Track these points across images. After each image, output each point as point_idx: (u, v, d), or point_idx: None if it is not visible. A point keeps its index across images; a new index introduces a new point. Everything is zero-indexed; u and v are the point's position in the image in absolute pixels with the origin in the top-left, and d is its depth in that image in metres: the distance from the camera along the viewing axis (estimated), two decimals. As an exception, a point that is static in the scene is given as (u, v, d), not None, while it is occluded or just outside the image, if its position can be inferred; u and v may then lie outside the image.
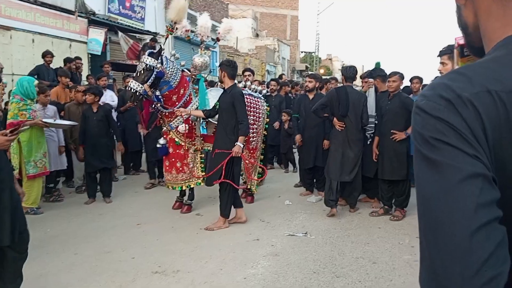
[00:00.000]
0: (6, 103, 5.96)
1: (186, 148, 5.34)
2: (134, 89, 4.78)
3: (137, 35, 13.91)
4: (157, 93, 5.11)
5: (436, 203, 0.64)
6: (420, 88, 7.18)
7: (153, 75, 4.85)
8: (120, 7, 13.18)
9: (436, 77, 7.89)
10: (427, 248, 0.65)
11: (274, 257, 4.08)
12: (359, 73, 7.36)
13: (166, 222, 5.13)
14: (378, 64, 7.21)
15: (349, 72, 5.48)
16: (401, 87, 5.61)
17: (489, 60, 0.70)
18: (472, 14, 0.78)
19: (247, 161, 5.63)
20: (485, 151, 0.65)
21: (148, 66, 4.82)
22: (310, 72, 13.99)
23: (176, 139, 5.31)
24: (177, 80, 5.19)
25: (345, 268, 3.83)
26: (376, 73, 5.74)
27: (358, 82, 7.41)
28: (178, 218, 5.30)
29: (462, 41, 1.16)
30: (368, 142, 5.61)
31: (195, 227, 4.96)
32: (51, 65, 8.20)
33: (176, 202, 5.73)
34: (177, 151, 5.36)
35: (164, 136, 5.39)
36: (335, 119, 5.42)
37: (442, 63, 3.63)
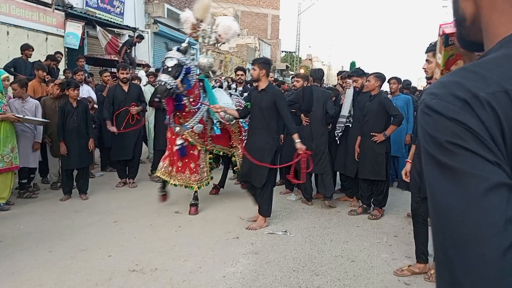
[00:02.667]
0: None
1: (199, 148, 5.29)
2: (167, 83, 4.64)
3: (115, 29, 13.67)
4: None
5: (460, 218, 0.57)
6: (398, 88, 7.26)
7: (183, 71, 4.79)
8: (99, 1, 12.92)
9: (403, 80, 8.03)
10: (448, 266, 0.59)
11: (253, 255, 4.06)
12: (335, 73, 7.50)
13: (144, 220, 5.05)
14: (353, 63, 7.29)
15: (318, 74, 6.02)
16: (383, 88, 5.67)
17: (500, 57, 0.65)
18: (472, 5, 0.73)
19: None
20: (505, 157, 0.59)
21: (179, 61, 4.73)
22: (293, 73, 13.98)
23: (191, 140, 5.20)
24: (194, 79, 5.12)
25: (324, 266, 3.85)
26: (360, 72, 5.78)
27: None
28: (156, 216, 5.23)
29: (448, 30, 1.13)
30: (338, 142, 5.81)
31: (173, 225, 4.90)
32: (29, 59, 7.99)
33: (163, 195, 5.58)
34: (191, 152, 5.26)
35: (180, 136, 5.22)
36: (302, 114, 5.78)
37: (427, 60, 3.56)
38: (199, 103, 5.16)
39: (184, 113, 5.12)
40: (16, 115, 5.39)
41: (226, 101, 5.65)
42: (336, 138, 5.80)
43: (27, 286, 3.38)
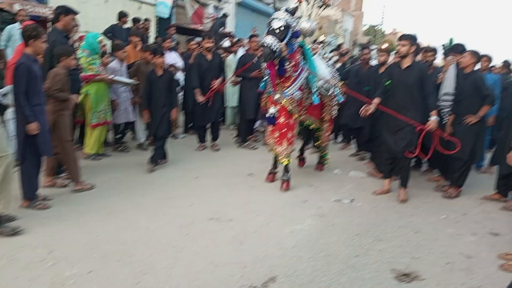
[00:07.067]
0: None
1: (295, 117, 5.14)
2: (271, 45, 4.43)
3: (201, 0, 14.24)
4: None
5: None
6: (488, 67, 6.96)
7: (289, 34, 4.58)
8: (188, -29, 13.49)
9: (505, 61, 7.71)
10: None
11: (320, 218, 4.35)
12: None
13: (221, 178, 5.52)
14: (451, 40, 6.98)
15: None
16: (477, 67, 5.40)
17: None
18: None
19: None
20: None
21: (287, 23, 4.52)
22: (376, 47, 13.48)
23: (290, 107, 5.00)
24: (296, 44, 4.94)
25: (387, 234, 4.03)
26: (461, 48, 5.53)
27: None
28: (232, 176, 5.66)
29: None
30: (443, 122, 5.41)
31: (247, 185, 5.30)
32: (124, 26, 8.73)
33: (270, 174, 5.51)
34: (289, 120, 5.08)
35: (274, 104, 5.07)
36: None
37: None
38: (300, 69, 4.99)
39: (283, 79, 4.95)
40: (110, 77, 6.02)
41: (323, 70, 5.55)
42: (444, 116, 5.43)
43: (123, 222, 3.97)
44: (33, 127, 3.90)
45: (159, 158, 5.87)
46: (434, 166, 6.19)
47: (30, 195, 4.13)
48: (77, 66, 5.32)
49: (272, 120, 5.09)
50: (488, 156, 6.50)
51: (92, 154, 5.97)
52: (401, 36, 4.90)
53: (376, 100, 5.06)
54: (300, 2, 5.44)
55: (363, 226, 4.20)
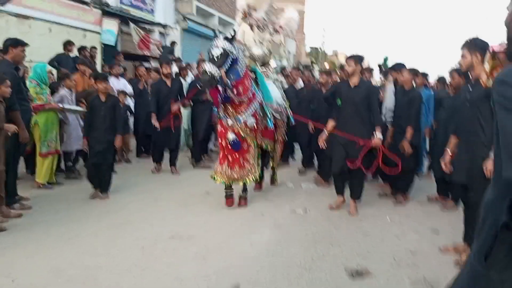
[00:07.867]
0: None
1: (249, 143, 5.20)
2: (211, 72, 4.49)
3: (147, 26, 14.34)
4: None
5: None
6: (422, 83, 7.58)
7: (229, 61, 4.67)
8: (132, -1, 13.60)
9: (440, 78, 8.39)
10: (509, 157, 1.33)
11: (277, 228, 4.58)
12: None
13: (179, 199, 5.62)
14: (386, 58, 7.56)
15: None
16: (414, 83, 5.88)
17: None
18: None
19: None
20: None
21: (225, 50, 4.60)
22: (318, 68, 14.17)
23: (242, 133, 5.07)
24: (244, 70, 4.98)
25: (340, 239, 4.33)
26: (399, 66, 5.93)
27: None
28: (189, 196, 5.78)
29: (496, 49, 1.84)
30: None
31: (205, 204, 5.44)
32: (70, 54, 8.67)
33: (228, 198, 5.36)
34: (242, 145, 5.13)
35: (231, 130, 5.06)
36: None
37: (462, 55, 3.68)
38: (249, 94, 5.03)
39: (234, 105, 5.00)
40: (60, 105, 6.01)
41: (276, 95, 5.74)
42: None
43: (84, 247, 3.97)
44: None
45: (109, 186, 5.73)
46: (379, 175, 6.66)
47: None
48: (28, 97, 5.30)
49: (237, 145, 5.06)
50: (426, 162, 7.07)
51: (43, 184, 5.88)
52: (347, 57, 5.23)
53: (331, 123, 5.24)
54: (253, 28, 5.63)
55: (318, 233, 4.47)
